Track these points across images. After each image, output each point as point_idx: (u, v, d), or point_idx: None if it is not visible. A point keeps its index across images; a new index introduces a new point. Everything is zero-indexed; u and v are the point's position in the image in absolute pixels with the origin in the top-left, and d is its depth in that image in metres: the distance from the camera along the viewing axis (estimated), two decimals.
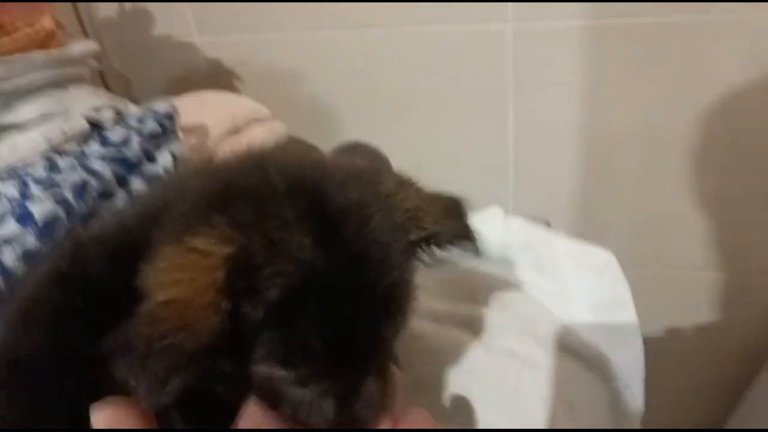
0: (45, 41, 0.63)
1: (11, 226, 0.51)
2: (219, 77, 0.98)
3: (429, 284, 0.62)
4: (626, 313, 0.56)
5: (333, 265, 0.27)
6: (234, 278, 0.25)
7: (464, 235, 0.33)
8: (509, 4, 0.81)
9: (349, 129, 0.98)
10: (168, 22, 0.99)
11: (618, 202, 0.89)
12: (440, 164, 0.93)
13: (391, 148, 0.96)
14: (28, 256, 0.53)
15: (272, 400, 0.28)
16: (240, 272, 0.25)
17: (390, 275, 0.28)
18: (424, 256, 0.33)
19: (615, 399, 0.56)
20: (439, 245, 0.33)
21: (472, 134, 0.91)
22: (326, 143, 0.97)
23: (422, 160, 0.94)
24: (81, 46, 0.67)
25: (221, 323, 0.24)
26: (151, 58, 1.01)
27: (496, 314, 0.57)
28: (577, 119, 0.86)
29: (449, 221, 0.33)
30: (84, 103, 0.65)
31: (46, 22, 0.63)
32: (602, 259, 0.60)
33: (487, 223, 0.64)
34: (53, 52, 0.63)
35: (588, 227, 0.91)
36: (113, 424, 0.25)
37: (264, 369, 0.27)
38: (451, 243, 0.33)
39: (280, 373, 0.27)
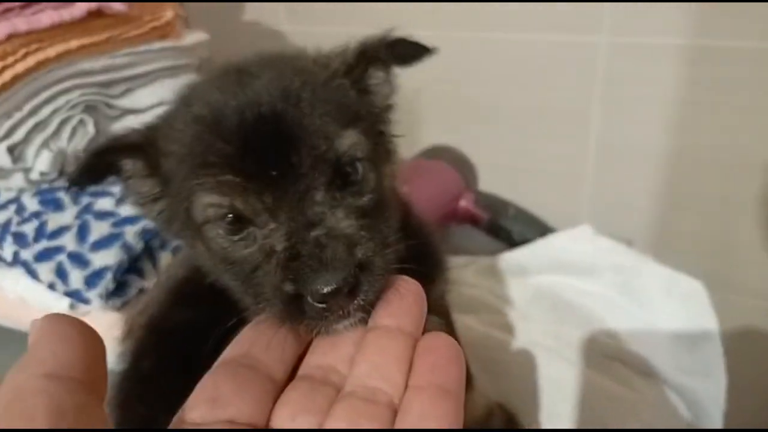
0: (165, 31, 0.66)
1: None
2: None
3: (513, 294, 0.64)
4: (712, 346, 0.57)
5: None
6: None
7: (390, 42, 0.34)
8: (605, 15, 0.80)
9: (434, 132, 0.99)
10: (258, 8, 1.01)
11: (694, 225, 0.88)
12: (519, 168, 0.94)
13: (475, 151, 0.96)
14: (146, 232, 0.58)
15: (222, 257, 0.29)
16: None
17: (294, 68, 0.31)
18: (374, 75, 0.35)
19: (692, 425, 0.57)
20: (375, 57, 0.34)
21: (554, 143, 0.91)
22: (411, 146, 0.98)
23: (503, 164, 0.94)
24: (194, 36, 0.70)
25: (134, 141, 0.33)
26: (239, 43, 1.04)
27: (578, 330, 0.58)
28: (661, 138, 0.85)
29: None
30: None
31: (169, 14, 0.66)
32: (691, 289, 0.60)
33: (577, 241, 0.65)
34: (171, 42, 0.66)
35: (660, 248, 0.90)
36: (49, 330, 0.21)
37: (197, 197, 0.29)
38: (387, 53, 0.34)
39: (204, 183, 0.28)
